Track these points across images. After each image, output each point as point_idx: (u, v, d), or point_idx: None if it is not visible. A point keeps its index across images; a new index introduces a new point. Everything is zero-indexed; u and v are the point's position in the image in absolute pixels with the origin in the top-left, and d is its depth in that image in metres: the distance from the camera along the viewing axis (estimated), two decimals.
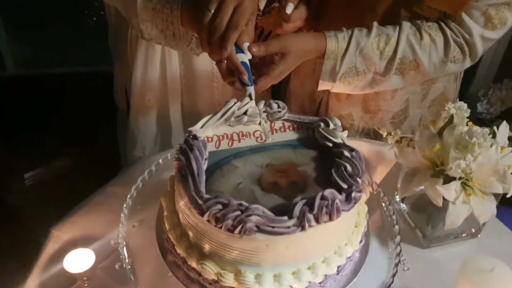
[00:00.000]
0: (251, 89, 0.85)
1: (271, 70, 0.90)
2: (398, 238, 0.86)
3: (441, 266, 0.96)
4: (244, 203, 0.67)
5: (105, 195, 1.09)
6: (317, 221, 0.66)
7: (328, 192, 0.68)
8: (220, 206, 0.67)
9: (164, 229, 0.82)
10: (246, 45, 0.86)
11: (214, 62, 0.89)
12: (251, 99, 0.84)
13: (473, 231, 1.01)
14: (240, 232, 0.65)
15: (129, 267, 0.85)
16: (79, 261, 0.89)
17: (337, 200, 0.67)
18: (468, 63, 1.07)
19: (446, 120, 0.93)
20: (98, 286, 0.90)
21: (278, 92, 1.47)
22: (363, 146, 1.20)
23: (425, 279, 0.92)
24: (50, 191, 1.92)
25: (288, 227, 0.66)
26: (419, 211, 1.02)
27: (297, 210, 0.66)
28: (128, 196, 0.97)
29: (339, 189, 0.70)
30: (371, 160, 1.17)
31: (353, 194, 0.70)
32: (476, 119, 2.21)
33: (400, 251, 0.85)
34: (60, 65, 2.61)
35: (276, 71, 0.90)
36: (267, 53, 0.89)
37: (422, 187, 0.91)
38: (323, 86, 1.03)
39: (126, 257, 0.87)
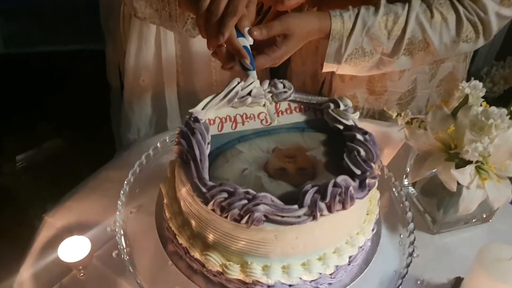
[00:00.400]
0: (253, 74, 0.80)
1: (272, 52, 0.85)
2: (411, 225, 0.82)
3: (452, 253, 0.92)
4: (251, 191, 0.62)
5: (100, 179, 1.04)
6: (330, 210, 0.62)
7: (341, 179, 0.63)
8: (225, 195, 0.62)
9: (164, 217, 0.77)
10: (247, 29, 0.81)
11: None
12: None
13: (484, 216, 0.97)
14: (247, 222, 0.61)
15: (127, 257, 0.81)
16: (74, 249, 0.85)
17: (350, 188, 0.62)
18: (481, 42, 1.02)
19: (460, 100, 0.88)
20: (94, 275, 0.86)
21: (277, 70, 1.41)
22: (368, 127, 1.14)
23: (435, 266, 0.89)
24: (43, 173, 1.88)
25: (299, 217, 0.61)
26: (429, 196, 0.98)
27: (308, 199, 0.61)
28: (125, 181, 0.92)
29: (352, 175, 0.66)
30: (378, 141, 1.13)
31: (367, 181, 0.65)
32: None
33: (414, 239, 0.81)
34: (50, 43, 2.52)
35: (277, 53, 0.86)
36: (269, 35, 0.84)
37: (433, 170, 0.87)
38: (328, 68, 0.98)
39: (124, 246, 0.83)
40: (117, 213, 0.87)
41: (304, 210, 0.61)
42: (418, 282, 0.86)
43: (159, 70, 1.21)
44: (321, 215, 0.62)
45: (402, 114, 0.93)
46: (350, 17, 0.93)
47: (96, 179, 1.04)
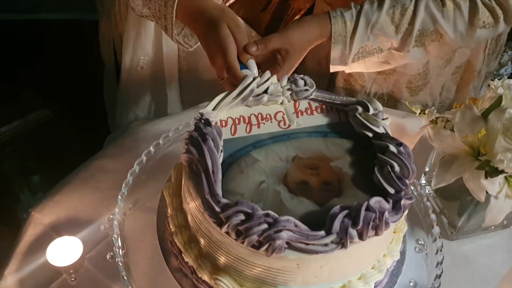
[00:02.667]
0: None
1: (275, 72, 0.80)
2: (436, 229, 0.76)
3: (470, 261, 0.87)
4: (272, 213, 0.54)
5: (92, 169, 0.96)
6: (361, 237, 0.55)
7: (375, 201, 0.56)
8: (242, 217, 0.54)
9: (167, 227, 0.69)
10: (251, 62, 0.78)
11: None
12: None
13: (505, 222, 0.91)
14: (267, 250, 0.53)
15: (122, 259, 0.74)
16: (64, 251, 0.79)
17: (385, 212, 0.55)
18: (502, 27, 0.94)
19: (492, 101, 0.80)
20: (86, 280, 0.80)
21: None
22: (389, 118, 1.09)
23: (453, 277, 0.83)
24: (28, 146, 1.79)
25: (326, 245, 0.54)
26: (449, 199, 0.91)
27: (337, 225, 0.54)
28: (129, 172, 0.85)
29: (385, 195, 0.58)
30: (391, 134, 1.06)
31: (402, 202, 0.57)
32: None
33: (442, 245, 0.75)
34: (39, 11, 2.36)
35: (281, 72, 0.81)
36: (268, 51, 0.81)
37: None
38: (335, 69, 0.93)
39: (120, 247, 0.75)
40: (116, 209, 0.80)
41: (332, 237, 0.54)
42: None
43: (159, 54, 1.12)
44: (351, 242, 0.55)
45: (427, 112, 0.85)
46: (352, 15, 0.86)
47: (87, 169, 0.96)
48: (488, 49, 1.18)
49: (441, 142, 0.83)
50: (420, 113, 0.86)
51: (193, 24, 0.85)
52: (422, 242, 0.82)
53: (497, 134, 0.75)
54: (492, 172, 0.75)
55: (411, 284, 0.76)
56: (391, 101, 1.24)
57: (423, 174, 0.96)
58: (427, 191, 0.95)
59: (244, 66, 0.78)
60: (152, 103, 1.19)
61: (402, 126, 1.08)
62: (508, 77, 2.02)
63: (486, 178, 0.75)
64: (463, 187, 0.78)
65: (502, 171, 0.75)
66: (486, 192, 0.77)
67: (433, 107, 0.87)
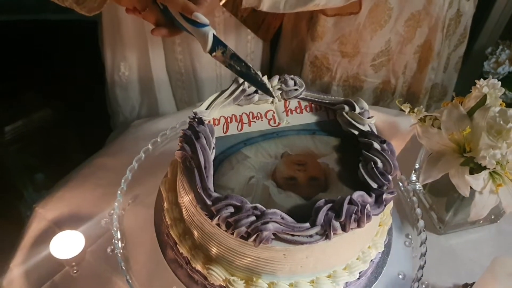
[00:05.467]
0: (210, 30, 0.66)
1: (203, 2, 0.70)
2: (421, 223, 0.79)
3: (458, 255, 0.89)
4: (259, 206, 0.58)
5: (93, 167, 0.99)
6: (344, 229, 0.58)
7: (357, 195, 0.59)
8: (231, 209, 0.58)
9: (164, 220, 0.72)
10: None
11: None
12: (219, 43, 0.66)
13: (493, 217, 0.94)
14: (255, 240, 0.57)
15: (121, 252, 0.77)
16: (66, 245, 0.82)
17: (367, 205, 0.58)
18: None
19: (478, 100, 0.83)
20: (87, 273, 0.83)
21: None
22: (375, 116, 1.11)
23: (441, 269, 0.86)
24: (32, 144, 1.81)
25: (311, 236, 0.57)
26: (438, 194, 0.94)
27: (321, 217, 0.57)
28: (128, 169, 0.88)
29: (368, 189, 0.61)
30: (385, 132, 1.08)
31: (384, 196, 0.60)
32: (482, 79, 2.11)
33: (426, 238, 0.77)
34: (43, 11, 2.39)
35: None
36: None
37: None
38: (248, 3, 0.89)
39: (119, 241, 0.79)
40: (116, 203, 0.83)
41: (316, 229, 0.57)
42: (423, 286, 0.84)
43: (144, 63, 1.12)
44: (335, 234, 0.58)
45: (416, 110, 0.88)
46: None
47: (89, 166, 0.99)
48: (447, 30, 1.21)
49: (428, 139, 0.86)
50: (409, 112, 0.89)
51: None
52: (411, 237, 0.85)
53: (482, 131, 0.78)
54: (476, 168, 0.78)
55: (400, 276, 0.79)
56: (358, 83, 1.28)
57: (413, 171, 0.98)
58: (417, 188, 0.98)
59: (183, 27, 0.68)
60: (142, 105, 1.21)
61: (395, 124, 1.11)
62: (505, 77, 2.05)
63: (471, 174, 0.78)
64: (450, 184, 0.81)
65: (485, 168, 0.78)
66: (471, 187, 0.79)
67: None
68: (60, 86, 1.87)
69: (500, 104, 0.84)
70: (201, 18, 0.64)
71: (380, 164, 0.63)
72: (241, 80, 0.71)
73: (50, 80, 1.90)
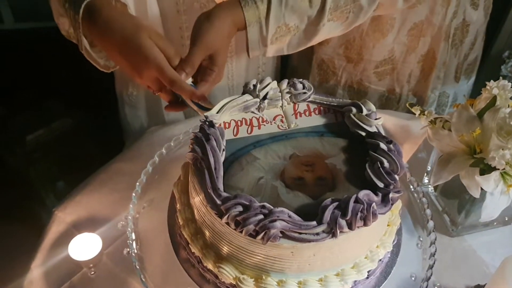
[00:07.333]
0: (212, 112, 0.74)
1: (209, 76, 0.79)
2: (431, 223, 0.79)
3: (470, 257, 0.89)
4: (267, 205, 0.59)
5: (110, 172, 1.02)
6: (350, 227, 0.59)
7: (363, 194, 0.60)
8: (240, 208, 0.59)
9: (176, 221, 0.74)
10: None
11: None
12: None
13: (506, 219, 0.93)
14: (263, 238, 0.58)
15: (137, 253, 0.79)
16: (84, 247, 0.84)
17: (373, 204, 0.59)
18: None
19: (488, 101, 0.83)
20: (104, 274, 0.85)
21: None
22: (386, 120, 1.12)
23: (453, 271, 0.86)
24: (53, 153, 1.86)
25: (317, 234, 0.59)
26: (450, 196, 0.94)
27: (327, 215, 0.58)
28: (143, 172, 0.90)
29: (374, 189, 0.62)
30: (397, 136, 1.09)
31: (390, 195, 0.62)
32: None
33: (435, 239, 0.78)
34: None
35: (213, 74, 0.79)
36: (197, 66, 0.78)
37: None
38: (255, 53, 0.90)
39: (134, 243, 0.81)
40: (131, 205, 0.85)
41: (323, 227, 0.58)
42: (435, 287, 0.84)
43: None
44: (341, 232, 0.59)
45: (426, 112, 0.88)
46: None
47: (106, 171, 1.02)
48: (452, 40, 1.20)
49: (439, 141, 0.86)
50: (419, 114, 0.90)
51: (104, 38, 0.76)
52: (422, 239, 0.85)
53: (492, 133, 0.78)
54: (486, 169, 0.78)
55: (412, 278, 0.79)
56: (362, 88, 1.29)
57: (425, 174, 0.99)
58: (429, 190, 0.98)
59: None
60: (150, 124, 1.23)
61: (407, 128, 1.11)
62: None
63: (481, 175, 0.78)
64: (461, 185, 0.81)
65: (496, 168, 0.78)
66: (482, 189, 0.80)
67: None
68: (78, 96, 1.91)
69: (510, 105, 0.84)
70: (205, 104, 0.76)
71: (386, 164, 0.64)
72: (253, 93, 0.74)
73: (70, 89, 1.94)
